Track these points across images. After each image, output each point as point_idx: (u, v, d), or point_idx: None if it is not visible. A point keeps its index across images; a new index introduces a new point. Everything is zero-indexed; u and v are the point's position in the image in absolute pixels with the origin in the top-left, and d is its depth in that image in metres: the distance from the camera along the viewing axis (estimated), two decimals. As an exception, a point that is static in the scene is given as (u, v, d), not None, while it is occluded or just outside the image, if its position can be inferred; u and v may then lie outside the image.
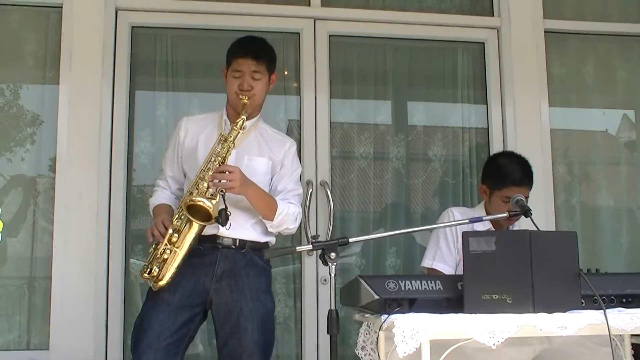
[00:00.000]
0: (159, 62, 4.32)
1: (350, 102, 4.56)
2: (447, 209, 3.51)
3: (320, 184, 4.21)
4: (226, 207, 2.89)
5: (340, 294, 2.88)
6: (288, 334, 4.21)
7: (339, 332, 2.52)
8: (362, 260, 4.35)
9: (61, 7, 4.13)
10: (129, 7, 4.23)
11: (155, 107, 4.31)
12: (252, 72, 3.11)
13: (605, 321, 2.35)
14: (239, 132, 3.02)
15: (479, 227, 3.29)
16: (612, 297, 2.62)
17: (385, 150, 4.52)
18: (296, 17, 4.39)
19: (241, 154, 3.12)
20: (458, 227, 3.32)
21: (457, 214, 3.42)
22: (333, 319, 2.50)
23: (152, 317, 2.96)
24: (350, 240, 2.65)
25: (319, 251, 2.58)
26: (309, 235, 4.08)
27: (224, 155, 2.99)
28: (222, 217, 2.88)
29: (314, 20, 4.40)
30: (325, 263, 2.55)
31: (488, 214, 3.38)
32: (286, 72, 4.41)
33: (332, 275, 2.54)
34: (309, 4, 4.42)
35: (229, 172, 2.91)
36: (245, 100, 3.07)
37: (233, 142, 3.01)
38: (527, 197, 3.26)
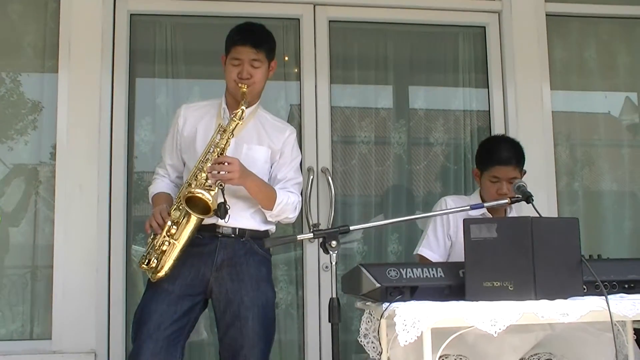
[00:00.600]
0: (158, 49, 4.30)
1: (352, 87, 4.54)
2: (442, 198, 3.51)
3: (322, 171, 4.20)
4: (225, 200, 2.89)
5: (341, 282, 2.88)
6: (290, 321, 4.21)
7: (341, 320, 2.52)
8: (364, 247, 4.35)
9: (59, -4, 4.11)
10: (127, -5, 4.21)
11: (156, 95, 4.29)
12: (252, 61, 3.08)
13: (607, 308, 2.35)
14: (238, 123, 2.99)
15: (474, 212, 3.27)
16: (614, 282, 2.63)
17: (386, 136, 4.51)
18: (296, 2, 4.35)
19: (240, 143, 3.10)
20: (451, 215, 3.34)
21: (450, 202, 3.41)
22: (334, 308, 2.50)
23: (152, 307, 2.96)
24: (351, 228, 2.65)
25: (320, 239, 2.57)
26: (310, 223, 4.07)
27: (223, 146, 2.97)
28: (221, 211, 2.88)
29: (314, 6, 4.36)
30: (326, 251, 2.56)
31: (483, 200, 3.37)
32: (286, 58, 4.39)
33: (333, 263, 2.53)
34: (308, -10, 4.39)
35: (228, 163, 2.90)
36: (245, 89, 3.04)
37: (232, 133, 2.99)
38: (514, 178, 3.26)
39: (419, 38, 4.66)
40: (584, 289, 2.53)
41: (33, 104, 4.18)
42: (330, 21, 4.39)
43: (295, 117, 4.35)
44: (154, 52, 4.30)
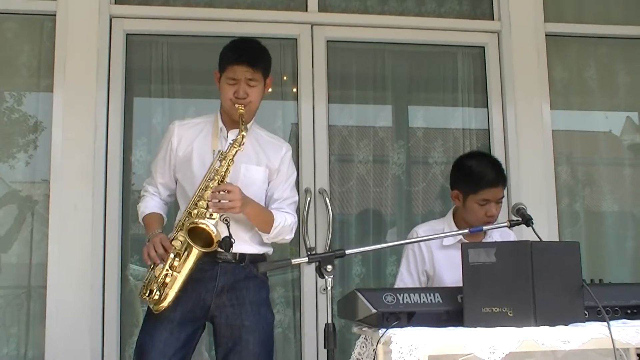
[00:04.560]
0: (154, 69, 4.28)
1: (350, 107, 4.52)
2: (413, 229, 3.41)
3: (319, 192, 4.16)
4: (230, 234, 2.85)
5: (337, 307, 2.83)
6: (287, 344, 4.16)
7: (337, 346, 2.46)
8: (362, 269, 4.30)
9: (55, 15, 4.09)
10: (124, 15, 4.20)
11: (152, 115, 4.27)
12: (248, 80, 3.01)
13: (609, 335, 2.30)
14: (238, 150, 2.94)
15: (448, 240, 3.24)
16: (617, 308, 2.56)
17: (385, 156, 4.47)
18: (293, 22, 4.35)
19: (237, 163, 3.02)
20: (424, 248, 3.29)
21: (421, 232, 3.31)
22: (330, 333, 2.44)
23: (155, 337, 2.92)
24: (347, 252, 2.59)
25: (316, 263, 2.52)
26: (307, 246, 4.02)
27: (223, 173, 2.92)
28: (226, 244, 2.84)
29: (311, 26, 4.35)
30: (321, 276, 2.50)
31: (460, 220, 3.30)
32: (285, 78, 4.36)
33: (329, 288, 2.48)
34: (306, 10, 4.38)
35: (229, 192, 2.85)
36: (242, 110, 2.98)
37: (232, 160, 2.94)
38: (501, 198, 3.19)
39: (418, 58, 4.64)
40: (586, 314, 2.47)
41: (28, 124, 4.15)
42: (328, 41, 4.37)
43: (294, 135, 4.33)
44: (150, 71, 4.28)
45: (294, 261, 2.60)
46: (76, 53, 4.05)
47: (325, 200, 4.12)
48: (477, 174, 3.21)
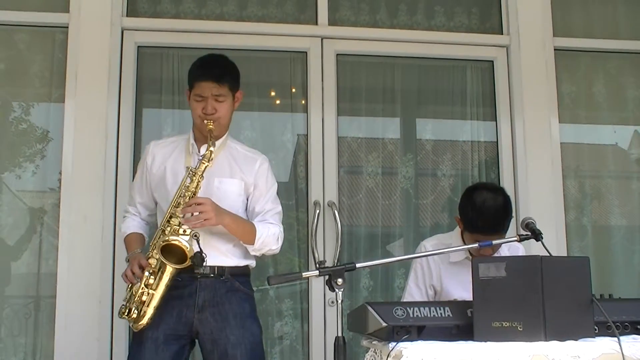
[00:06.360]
0: (165, 81, 4.31)
1: (359, 119, 4.53)
2: (421, 242, 3.40)
3: (328, 205, 4.17)
4: (201, 249, 2.83)
5: (347, 320, 2.83)
6: (295, 357, 4.16)
7: (346, 359, 2.47)
8: (370, 282, 4.30)
9: (67, 27, 4.13)
10: (135, 27, 4.23)
11: (162, 126, 4.29)
12: (215, 95, 3.01)
13: (619, 350, 2.30)
14: (207, 165, 2.93)
15: (455, 257, 3.23)
16: (627, 323, 2.56)
17: (394, 168, 4.48)
18: (303, 36, 4.37)
19: (211, 177, 3.02)
20: (431, 262, 3.28)
21: (429, 247, 3.30)
22: (340, 347, 2.44)
23: (141, 357, 2.92)
24: (358, 265, 2.59)
25: (326, 277, 2.53)
26: (316, 259, 4.03)
27: (194, 189, 2.91)
28: (197, 260, 2.81)
29: (321, 39, 4.37)
30: (332, 289, 2.50)
31: (464, 239, 3.29)
32: (293, 90, 4.38)
33: (339, 301, 2.48)
34: (316, 23, 4.40)
35: (199, 204, 2.85)
36: (211, 126, 2.99)
37: (202, 175, 2.93)
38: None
39: (427, 71, 4.66)
40: (596, 329, 2.47)
41: (39, 134, 4.18)
42: (337, 54, 4.39)
43: (302, 147, 4.33)
44: (161, 83, 4.31)
45: (305, 274, 2.60)
46: (88, 64, 4.08)
47: (334, 213, 4.13)
48: (475, 216, 3.11)
